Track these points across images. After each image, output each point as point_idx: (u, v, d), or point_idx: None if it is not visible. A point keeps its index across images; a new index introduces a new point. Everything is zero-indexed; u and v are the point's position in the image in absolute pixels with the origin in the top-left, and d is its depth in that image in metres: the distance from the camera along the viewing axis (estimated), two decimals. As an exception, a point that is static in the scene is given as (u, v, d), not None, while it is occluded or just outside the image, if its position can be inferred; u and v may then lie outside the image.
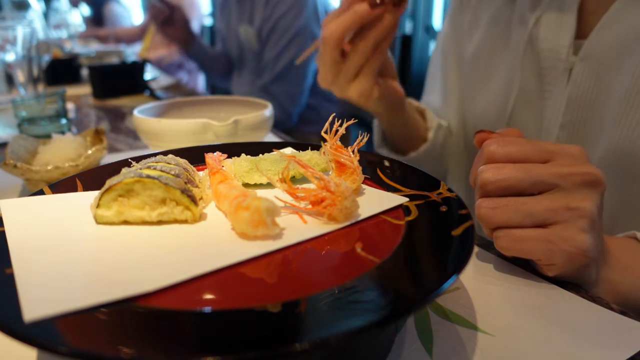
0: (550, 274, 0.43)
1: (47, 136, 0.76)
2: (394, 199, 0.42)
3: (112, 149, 0.93)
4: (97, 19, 3.82)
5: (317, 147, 0.51)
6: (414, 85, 2.31)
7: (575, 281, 0.44)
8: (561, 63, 0.63)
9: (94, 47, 2.83)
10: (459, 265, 0.30)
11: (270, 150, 0.51)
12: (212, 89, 3.11)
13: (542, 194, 0.41)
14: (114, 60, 1.87)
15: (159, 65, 2.66)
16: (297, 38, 1.72)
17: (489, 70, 0.76)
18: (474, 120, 0.80)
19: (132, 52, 2.28)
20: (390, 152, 0.85)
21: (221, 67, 2.06)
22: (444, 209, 0.39)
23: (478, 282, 0.44)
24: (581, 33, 0.62)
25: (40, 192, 0.43)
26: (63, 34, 2.50)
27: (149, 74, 1.79)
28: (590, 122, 0.62)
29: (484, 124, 0.77)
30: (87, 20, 3.81)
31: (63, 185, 0.45)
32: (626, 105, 0.56)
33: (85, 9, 3.99)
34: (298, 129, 1.91)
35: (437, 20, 2.54)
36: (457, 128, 0.87)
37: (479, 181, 0.43)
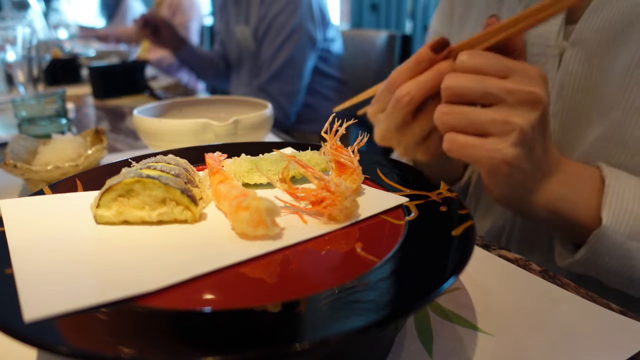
0: (489, 186, 0.51)
1: (47, 136, 0.76)
2: (394, 199, 0.42)
3: (112, 149, 0.93)
4: (110, 14, 3.72)
5: (317, 147, 0.51)
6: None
7: (512, 194, 0.51)
8: (550, 49, 0.61)
9: (95, 46, 2.83)
10: (459, 265, 0.30)
11: (270, 150, 0.51)
12: (212, 89, 3.10)
13: (491, 106, 0.46)
14: (114, 60, 1.87)
15: (159, 65, 2.66)
16: (292, 37, 1.72)
17: None
18: None
19: (134, 52, 2.28)
20: None
21: (212, 70, 2.05)
22: (444, 209, 0.39)
23: (478, 282, 0.44)
24: (571, 18, 0.60)
25: (40, 192, 0.43)
26: (63, 34, 2.50)
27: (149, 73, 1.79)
28: (583, 108, 0.60)
29: None
30: (104, 12, 3.73)
31: (63, 185, 0.45)
32: (622, 89, 0.55)
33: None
34: (296, 128, 1.91)
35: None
36: None
37: (442, 86, 0.47)
